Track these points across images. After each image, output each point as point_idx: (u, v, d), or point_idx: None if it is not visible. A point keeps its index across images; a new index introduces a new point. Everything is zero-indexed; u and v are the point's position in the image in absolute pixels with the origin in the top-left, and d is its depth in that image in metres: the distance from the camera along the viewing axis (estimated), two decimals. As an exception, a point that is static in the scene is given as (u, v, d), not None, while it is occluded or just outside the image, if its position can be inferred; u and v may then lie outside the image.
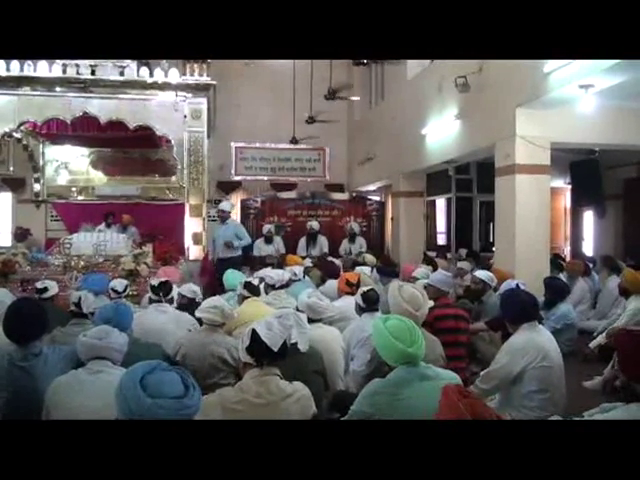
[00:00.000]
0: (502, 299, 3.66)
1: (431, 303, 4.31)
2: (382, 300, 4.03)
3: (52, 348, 3.03)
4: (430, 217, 11.00)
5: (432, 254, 9.34)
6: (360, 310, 3.92)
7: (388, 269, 6.75)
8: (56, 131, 9.30)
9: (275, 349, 2.30)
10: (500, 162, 6.79)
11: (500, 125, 6.69)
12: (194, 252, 8.44)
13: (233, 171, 12.94)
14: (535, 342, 3.22)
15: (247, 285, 4.45)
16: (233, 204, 8.48)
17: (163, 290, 4.29)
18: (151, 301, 4.32)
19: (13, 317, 2.95)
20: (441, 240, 11.26)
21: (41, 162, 11.20)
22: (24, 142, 10.35)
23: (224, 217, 8.28)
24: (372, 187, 12.52)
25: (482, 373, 3.39)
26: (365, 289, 3.93)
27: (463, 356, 4.10)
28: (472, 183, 10.13)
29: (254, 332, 2.32)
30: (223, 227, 8.25)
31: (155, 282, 4.35)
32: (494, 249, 7.63)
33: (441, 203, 11.07)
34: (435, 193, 10.72)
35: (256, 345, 2.31)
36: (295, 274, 5.71)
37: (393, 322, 2.51)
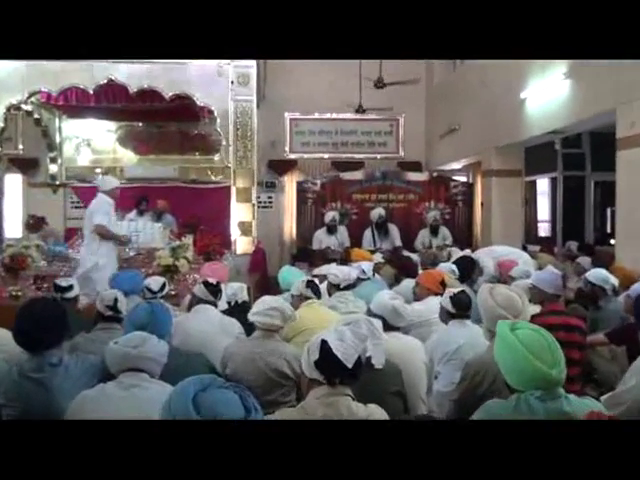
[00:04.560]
0: (638, 304, 3.52)
1: (536, 309, 4.20)
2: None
3: (74, 358, 3.06)
4: (530, 202, 10.73)
5: (533, 248, 9.11)
6: (447, 317, 3.88)
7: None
8: (75, 102, 9.44)
9: (349, 365, 2.25)
10: (623, 131, 6.52)
11: (623, 84, 6.41)
12: (242, 245, 8.54)
13: (287, 148, 13.03)
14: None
15: (310, 284, 4.50)
16: None
17: (213, 289, 4.39)
18: (198, 301, 4.40)
19: (26, 320, 2.95)
20: (544, 231, 11.04)
21: (58, 139, 11.48)
22: (35, 116, 10.53)
23: None
24: (457, 165, 12.34)
25: (604, 398, 3.27)
26: (455, 291, 3.88)
27: (577, 377, 3.95)
28: (585, 158, 9.84)
29: (324, 343, 2.29)
30: None
31: (213, 281, 4.47)
32: (613, 242, 7.37)
33: (544, 184, 10.82)
34: (536, 172, 10.47)
35: (327, 360, 2.27)
36: (363, 272, 5.69)
37: (526, 332, 2.28)
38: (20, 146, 11.23)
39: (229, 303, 4.76)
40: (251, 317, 3.60)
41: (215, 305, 4.39)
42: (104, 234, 6.49)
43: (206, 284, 4.40)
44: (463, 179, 12.16)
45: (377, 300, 3.77)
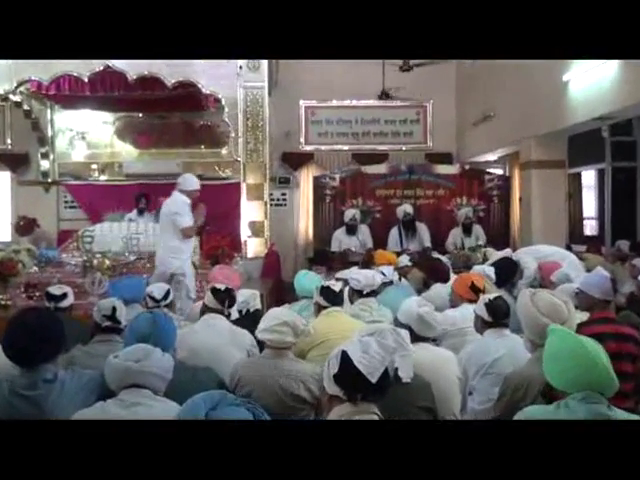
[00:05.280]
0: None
1: (583, 317, 4.16)
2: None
3: (71, 373, 3.06)
4: (575, 196, 10.65)
5: (579, 248, 9.03)
6: (483, 326, 3.85)
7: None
8: (69, 92, 9.51)
9: (373, 380, 2.24)
10: (679, 117, 6.47)
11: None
12: (253, 247, 8.55)
13: (302, 139, 13.03)
14: None
15: (325, 291, 4.46)
16: None
17: (221, 296, 4.33)
18: (207, 310, 4.39)
19: (17, 332, 2.94)
20: (590, 229, 10.98)
21: (50, 132, 11.60)
22: (25, 107, 10.65)
23: None
24: (492, 156, 12.29)
25: (660, 416, 3.22)
26: (490, 297, 3.85)
27: (630, 393, 3.91)
28: (636, 147, 9.80)
29: (345, 355, 2.28)
30: None
31: (221, 286, 4.42)
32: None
33: (590, 177, 10.74)
34: (582, 163, 10.41)
35: (347, 373, 2.26)
36: (384, 274, 5.66)
37: (588, 339, 2.40)
38: (8, 140, 11.32)
39: (240, 312, 4.74)
40: (259, 335, 3.55)
41: (224, 314, 4.36)
42: (191, 234, 6.73)
43: (214, 291, 4.36)
44: (499, 172, 12.09)
45: (404, 308, 3.76)
